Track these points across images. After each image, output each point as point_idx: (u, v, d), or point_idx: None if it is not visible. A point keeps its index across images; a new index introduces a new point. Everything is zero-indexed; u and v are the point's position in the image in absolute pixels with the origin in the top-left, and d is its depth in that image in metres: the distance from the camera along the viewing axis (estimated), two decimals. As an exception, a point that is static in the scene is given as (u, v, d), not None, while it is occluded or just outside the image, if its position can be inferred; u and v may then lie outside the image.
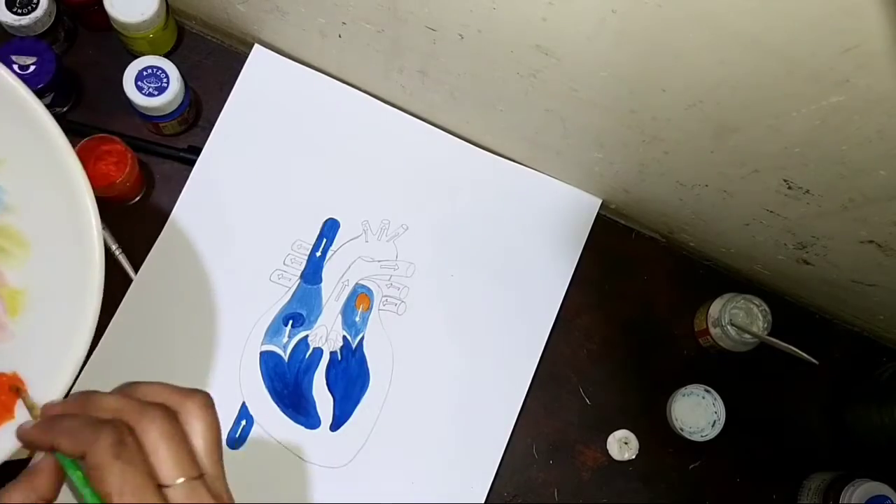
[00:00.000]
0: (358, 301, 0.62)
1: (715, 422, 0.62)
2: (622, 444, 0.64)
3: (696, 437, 0.62)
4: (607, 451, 0.64)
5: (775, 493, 0.65)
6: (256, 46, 0.63)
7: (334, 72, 0.64)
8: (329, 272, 0.62)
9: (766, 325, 0.62)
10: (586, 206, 0.66)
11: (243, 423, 0.59)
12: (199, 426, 0.36)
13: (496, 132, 0.63)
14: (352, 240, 0.63)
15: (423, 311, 0.63)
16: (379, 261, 0.63)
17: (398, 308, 0.63)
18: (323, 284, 0.62)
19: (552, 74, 0.49)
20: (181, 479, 0.34)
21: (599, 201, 0.66)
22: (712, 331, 0.63)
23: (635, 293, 0.67)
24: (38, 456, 0.37)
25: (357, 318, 0.62)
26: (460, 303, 0.63)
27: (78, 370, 0.41)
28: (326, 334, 0.61)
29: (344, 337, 0.62)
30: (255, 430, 0.59)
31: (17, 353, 0.42)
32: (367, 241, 0.63)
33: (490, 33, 0.48)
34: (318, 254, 0.62)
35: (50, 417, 0.38)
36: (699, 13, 0.38)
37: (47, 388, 0.40)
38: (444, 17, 0.49)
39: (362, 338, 0.62)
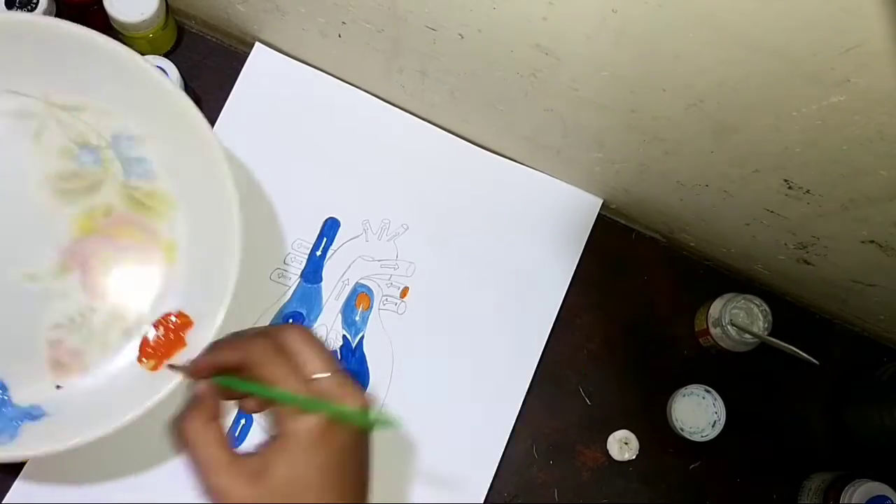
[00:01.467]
0: (358, 300, 0.62)
1: (715, 422, 0.62)
2: (622, 445, 0.64)
3: (696, 438, 0.62)
4: (607, 451, 0.64)
5: (775, 493, 0.65)
6: (258, 45, 0.63)
7: (334, 72, 0.64)
8: (329, 271, 0.62)
9: (766, 325, 0.62)
10: (587, 206, 0.66)
11: (242, 421, 0.59)
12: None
13: (496, 132, 0.63)
14: (352, 239, 0.63)
15: (423, 311, 0.63)
16: (379, 260, 0.63)
17: (398, 308, 0.63)
18: (323, 283, 0.62)
19: (552, 74, 0.49)
20: (328, 373, 0.41)
21: (600, 201, 0.66)
22: (712, 331, 0.63)
23: (635, 293, 0.67)
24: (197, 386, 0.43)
25: (357, 318, 0.62)
26: (460, 303, 0.63)
27: (230, 300, 0.49)
28: (326, 333, 0.61)
29: (344, 336, 0.62)
30: (254, 429, 0.59)
31: (179, 295, 0.52)
32: (367, 241, 0.63)
33: (490, 33, 0.48)
34: (319, 253, 0.62)
35: (206, 347, 0.47)
36: (700, 13, 0.38)
37: (208, 320, 0.49)
38: (444, 17, 0.49)
39: (362, 337, 0.62)
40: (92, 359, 0.51)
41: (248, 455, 0.41)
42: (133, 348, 0.51)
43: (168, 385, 0.48)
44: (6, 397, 0.49)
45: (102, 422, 0.47)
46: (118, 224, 0.52)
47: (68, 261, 0.51)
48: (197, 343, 0.49)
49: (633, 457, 0.64)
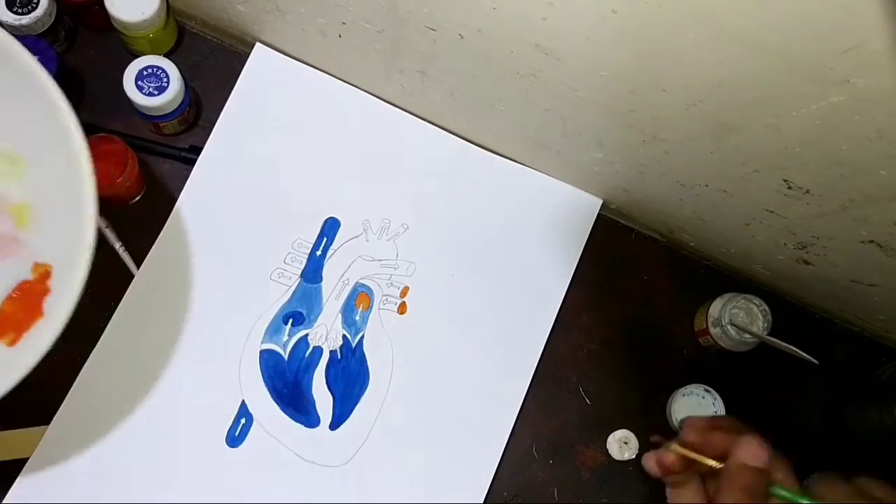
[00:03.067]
0: (358, 300, 0.62)
1: (715, 422, 0.62)
2: (622, 444, 0.64)
3: (696, 437, 0.62)
4: (607, 450, 0.64)
5: (775, 493, 0.65)
6: (258, 45, 0.63)
7: (334, 72, 0.64)
8: (329, 271, 0.62)
9: (766, 325, 0.62)
10: (586, 206, 0.66)
11: (242, 421, 0.59)
12: None
13: (496, 132, 0.63)
14: (352, 239, 0.63)
15: (423, 311, 0.63)
16: (379, 260, 0.63)
17: (398, 307, 0.63)
18: (323, 283, 0.62)
19: (552, 74, 0.50)
20: None
21: (600, 201, 0.66)
22: (712, 330, 0.63)
23: (635, 293, 0.67)
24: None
25: (357, 318, 0.62)
26: (460, 302, 0.63)
27: (90, 264, 0.44)
28: (326, 333, 0.61)
29: (344, 336, 0.62)
30: (254, 429, 0.59)
31: (34, 261, 0.48)
32: (367, 241, 0.63)
33: (490, 33, 0.48)
34: (319, 253, 0.62)
35: (703, 429, 0.51)
36: (699, 13, 0.38)
37: (66, 283, 0.45)
38: (444, 17, 0.49)
39: (362, 337, 0.62)
40: None
41: None
42: None
43: (28, 360, 0.44)
44: None
45: None
46: None
47: None
48: (55, 313, 0.45)
49: (633, 456, 0.64)
